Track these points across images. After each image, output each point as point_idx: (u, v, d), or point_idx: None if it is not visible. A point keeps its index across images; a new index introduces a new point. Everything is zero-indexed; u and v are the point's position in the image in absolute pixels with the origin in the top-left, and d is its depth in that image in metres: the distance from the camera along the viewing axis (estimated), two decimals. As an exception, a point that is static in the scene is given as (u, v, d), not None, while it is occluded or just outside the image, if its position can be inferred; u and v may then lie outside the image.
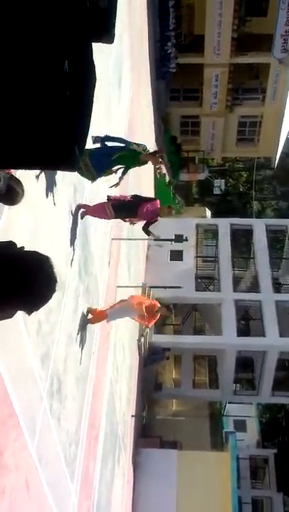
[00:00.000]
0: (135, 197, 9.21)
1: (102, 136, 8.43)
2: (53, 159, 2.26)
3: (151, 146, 23.75)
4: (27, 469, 6.25)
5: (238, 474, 21.12)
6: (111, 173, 8.45)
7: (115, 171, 8.44)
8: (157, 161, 8.52)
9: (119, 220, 9.89)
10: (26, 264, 2.39)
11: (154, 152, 8.73)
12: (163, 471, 18.41)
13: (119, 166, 8.40)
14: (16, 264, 2.40)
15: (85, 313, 9.69)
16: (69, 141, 2.15)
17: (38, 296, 2.37)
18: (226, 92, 30.33)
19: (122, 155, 8.05)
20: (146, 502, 17.61)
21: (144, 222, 9.21)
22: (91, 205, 9.24)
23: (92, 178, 8.22)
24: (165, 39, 26.47)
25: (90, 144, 8.09)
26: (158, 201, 9.02)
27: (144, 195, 9.35)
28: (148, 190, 20.88)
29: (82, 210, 9.01)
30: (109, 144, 8.32)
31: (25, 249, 2.58)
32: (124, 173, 8.56)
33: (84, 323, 9.52)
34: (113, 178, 8.89)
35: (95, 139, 8.29)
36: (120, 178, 8.67)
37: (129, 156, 8.16)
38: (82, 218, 9.00)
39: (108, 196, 9.11)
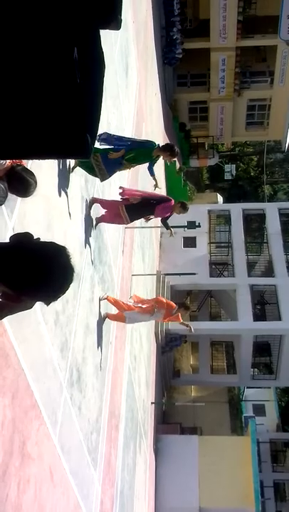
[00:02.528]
0: (148, 199, 9.15)
1: (109, 136, 8.27)
2: (66, 148, 2.26)
3: (161, 133, 23.65)
4: (50, 458, 6.32)
5: (258, 458, 21.21)
6: (128, 168, 8.51)
7: (131, 166, 8.43)
8: (168, 156, 8.40)
9: None
10: (44, 255, 2.41)
11: (163, 146, 8.56)
12: (184, 456, 18.53)
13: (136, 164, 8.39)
14: (33, 255, 2.42)
15: (101, 299, 9.71)
16: (81, 129, 2.15)
17: (56, 286, 2.39)
18: (234, 76, 30.10)
19: (132, 156, 7.96)
20: (169, 488, 17.76)
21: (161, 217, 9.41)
22: (103, 198, 9.28)
23: (103, 178, 8.16)
24: (170, 25, 26.29)
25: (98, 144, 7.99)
26: (173, 200, 9.10)
27: (154, 183, 9.30)
28: (158, 178, 20.85)
29: (96, 217, 9.10)
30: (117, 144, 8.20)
31: (41, 240, 2.61)
32: (151, 169, 8.63)
33: (101, 312, 9.57)
34: (126, 172, 8.83)
35: (101, 138, 8.11)
36: (153, 177, 8.91)
37: (142, 154, 8.05)
38: (95, 228, 9.08)
39: (121, 196, 9.06)
